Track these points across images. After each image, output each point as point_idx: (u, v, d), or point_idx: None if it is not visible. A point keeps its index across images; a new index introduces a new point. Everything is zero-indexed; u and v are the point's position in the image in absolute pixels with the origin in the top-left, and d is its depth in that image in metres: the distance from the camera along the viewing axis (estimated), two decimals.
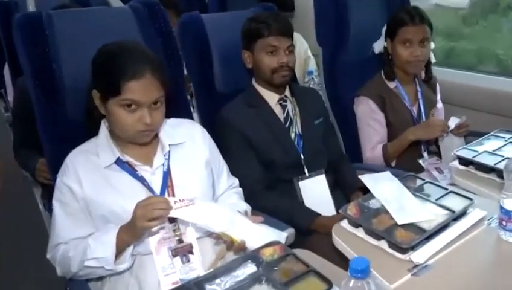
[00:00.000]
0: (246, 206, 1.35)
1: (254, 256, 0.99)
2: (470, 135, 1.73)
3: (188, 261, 1.15)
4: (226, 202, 1.33)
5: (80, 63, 1.27)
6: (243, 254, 1.07)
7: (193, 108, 1.74)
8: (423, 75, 1.92)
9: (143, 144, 1.20)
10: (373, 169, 1.56)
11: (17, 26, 1.27)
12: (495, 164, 1.30)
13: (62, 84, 1.30)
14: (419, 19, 1.73)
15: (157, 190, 1.17)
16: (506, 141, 1.45)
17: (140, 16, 1.42)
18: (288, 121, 1.56)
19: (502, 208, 1.02)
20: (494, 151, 1.39)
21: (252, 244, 1.09)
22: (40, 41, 1.27)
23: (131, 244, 1.11)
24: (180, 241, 1.16)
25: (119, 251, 1.10)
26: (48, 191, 1.80)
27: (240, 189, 1.42)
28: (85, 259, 1.10)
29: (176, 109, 1.36)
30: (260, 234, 1.13)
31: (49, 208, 1.77)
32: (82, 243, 1.13)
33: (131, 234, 1.09)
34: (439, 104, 1.93)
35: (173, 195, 1.18)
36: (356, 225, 1.10)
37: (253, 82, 1.60)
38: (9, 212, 2.58)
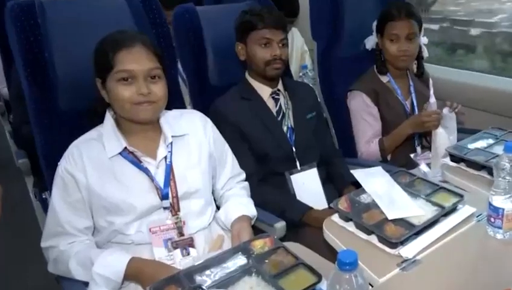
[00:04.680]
0: (255, 212, 1.32)
1: (245, 248, 0.99)
2: (462, 132, 1.73)
3: (188, 254, 1.16)
4: (237, 203, 1.31)
5: (72, 53, 1.26)
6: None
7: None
8: (415, 69, 1.91)
9: (146, 130, 1.20)
10: (366, 164, 1.55)
11: (9, 14, 1.26)
12: (486, 161, 1.30)
13: (54, 74, 1.28)
14: (405, 14, 1.72)
15: (161, 183, 1.17)
16: (497, 138, 1.46)
17: (134, 7, 1.41)
18: (281, 115, 1.56)
19: (490, 204, 1.02)
20: (485, 148, 1.40)
21: None
22: (32, 30, 1.26)
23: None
24: (181, 234, 1.17)
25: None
26: (40, 181, 1.80)
27: (247, 183, 1.42)
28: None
29: (169, 100, 1.35)
30: None
31: (41, 198, 1.76)
32: (85, 257, 1.10)
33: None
34: (432, 99, 1.92)
35: (175, 188, 1.18)
36: (347, 219, 1.10)
37: (246, 75, 1.59)
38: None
